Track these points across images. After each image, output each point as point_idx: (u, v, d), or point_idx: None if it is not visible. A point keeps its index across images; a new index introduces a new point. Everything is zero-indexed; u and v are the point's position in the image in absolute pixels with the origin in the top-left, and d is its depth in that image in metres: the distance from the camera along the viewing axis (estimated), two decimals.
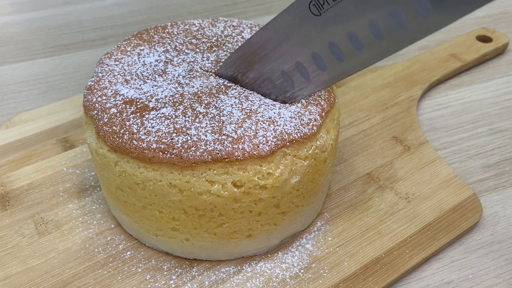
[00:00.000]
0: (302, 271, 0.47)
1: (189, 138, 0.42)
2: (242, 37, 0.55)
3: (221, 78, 0.49)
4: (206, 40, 0.55)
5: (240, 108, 0.44)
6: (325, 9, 0.37)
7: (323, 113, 0.46)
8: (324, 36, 0.39)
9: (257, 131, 0.42)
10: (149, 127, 0.43)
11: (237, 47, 0.53)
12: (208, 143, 0.41)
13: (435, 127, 0.65)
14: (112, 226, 0.51)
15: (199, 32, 0.56)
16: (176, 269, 0.47)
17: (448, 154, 0.61)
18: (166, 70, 0.50)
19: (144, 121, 0.43)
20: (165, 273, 0.47)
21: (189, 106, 0.45)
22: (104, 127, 0.44)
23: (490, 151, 0.61)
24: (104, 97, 0.47)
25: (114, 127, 0.44)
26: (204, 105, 0.45)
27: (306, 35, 0.40)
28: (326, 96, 0.48)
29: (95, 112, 0.46)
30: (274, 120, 0.43)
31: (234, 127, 0.42)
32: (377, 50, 0.37)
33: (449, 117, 0.67)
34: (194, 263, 0.48)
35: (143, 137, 0.42)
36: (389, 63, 0.78)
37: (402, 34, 0.35)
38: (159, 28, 0.57)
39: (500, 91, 0.71)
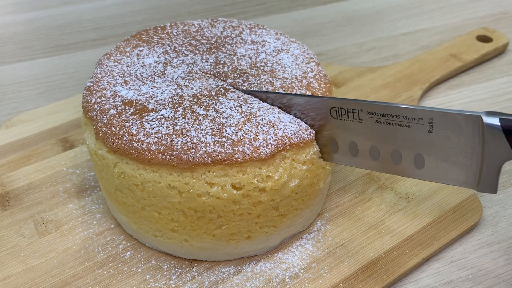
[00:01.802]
0: (302, 271, 0.47)
1: (188, 140, 0.42)
2: (241, 38, 0.55)
3: (220, 81, 0.49)
4: (206, 41, 0.55)
5: (239, 110, 0.44)
6: (343, 118, 0.42)
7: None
8: (331, 133, 0.44)
9: (257, 134, 0.42)
10: (149, 128, 0.43)
11: (236, 48, 0.53)
12: (208, 145, 0.41)
13: None
14: (112, 226, 0.51)
15: (199, 33, 0.56)
16: (176, 269, 0.47)
17: None
18: (165, 71, 0.50)
19: (143, 122, 0.43)
20: (165, 273, 0.47)
21: (189, 108, 0.45)
22: (103, 128, 0.44)
23: None
24: (103, 98, 0.47)
25: (113, 128, 0.44)
26: (203, 107, 0.45)
27: (315, 120, 0.44)
28: None
29: (94, 113, 0.46)
30: (274, 124, 0.43)
31: (234, 130, 0.42)
32: (369, 164, 0.43)
33: None
34: (194, 263, 0.48)
35: (142, 138, 0.42)
36: (389, 63, 0.78)
37: (394, 167, 0.41)
38: (159, 28, 0.57)
39: (500, 91, 0.71)
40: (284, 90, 0.47)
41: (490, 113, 0.36)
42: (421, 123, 0.39)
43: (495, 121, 0.36)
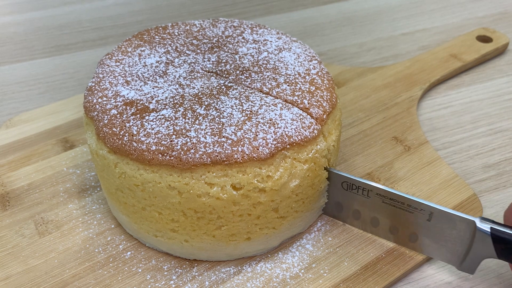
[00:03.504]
0: (302, 271, 0.47)
1: (188, 140, 0.41)
2: (243, 38, 0.55)
3: (222, 79, 0.49)
4: (207, 41, 0.55)
5: (240, 109, 0.44)
6: (352, 192, 0.47)
7: (325, 115, 0.46)
8: (339, 199, 0.49)
9: (257, 133, 0.42)
10: (149, 128, 0.43)
11: (237, 47, 0.53)
12: (207, 145, 0.41)
13: (435, 127, 0.65)
14: (112, 226, 0.51)
15: (200, 33, 0.56)
16: (176, 269, 0.47)
17: (448, 154, 0.61)
18: (167, 71, 0.50)
19: (144, 122, 0.43)
20: (165, 273, 0.47)
21: (189, 107, 0.45)
22: (104, 128, 0.44)
23: (490, 151, 0.61)
24: (104, 98, 0.47)
25: (114, 129, 0.44)
26: (204, 106, 0.45)
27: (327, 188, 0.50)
28: (328, 96, 0.48)
29: (96, 113, 0.46)
30: (275, 122, 0.43)
31: (234, 129, 0.42)
32: (368, 228, 0.49)
33: (449, 117, 0.67)
34: (194, 263, 0.48)
35: (142, 139, 0.42)
36: (389, 63, 0.78)
37: (390, 236, 0.48)
38: (160, 28, 0.57)
39: (500, 91, 0.71)
40: (288, 86, 0.47)
41: (484, 219, 0.42)
42: (422, 213, 0.44)
43: (487, 228, 0.41)
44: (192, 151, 0.41)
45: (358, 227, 0.50)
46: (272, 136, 0.42)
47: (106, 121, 0.44)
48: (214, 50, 0.53)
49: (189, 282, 0.46)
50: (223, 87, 0.47)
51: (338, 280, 0.46)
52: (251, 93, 0.47)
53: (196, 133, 0.42)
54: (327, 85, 0.49)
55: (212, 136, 0.42)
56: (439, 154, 0.60)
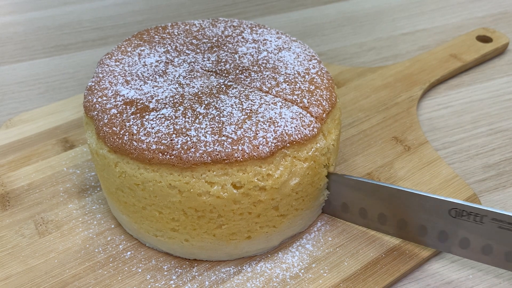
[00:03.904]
0: (302, 271, 0.47)
1: (188, 139, 0.42)
2: (243, 37, 0.55)
3: (221, 78, 0.49)
4: (207, 40, 0.55)
5: (240, 108, 0.44)
6: (462, 219, 0.43)
7: (324, 114, 0.46)
8: (444, 228, 0.45)
9: (257, 132, 0.42)
10: (149, 128, 0.43)
11: (237, 47, 0.53)
12: (207, 144, 0.41)
13: (435, 127, 0.65)
14: (112, 226, 0.51)
15: (200, 33, 0.56)
16: (176, 269, 0.47)
17: (448, 154, 0.61)
18: (167, 70, 0.50)
19: (144, 122, 0.43)
20: (165, 273, 0.47)
21: (189, 106, 0.45)
22: (104, 128, 0.44)
23: (490, 151, 0.61)
24: (104, 98, 0.47)
25: (114, 128, 0.44)
26: (204, 105, 0.45)
27: (428, 216, 0.45)
28: (328, 96, 0.48)
29: (96, 112, 0.46)
30: (275, 121, 0.43)
31: (234, 128, 0.42)
32: (479, 257, 0.44)
33: (449, 117, 0.67)
34: (194, 263, 0.48)
35: (143, 138, 0.42)
36: (389, 63, 0.78)
37: (506, 263, 0.43)
38: (160, 28, 0.57)
39: (500, 91, 0.71)
40: (287, 85, 0.48)
41: None
42: None
43: None
44: (193, 150, 0.41)
45: (463, 255, 0.46)
46: (272, 135, 0.42)
47: (106, 121, 0.44)
48: (214, 49, 0.53)
49: (189, 282, 0.46)
50: (222, 86, 0.48)
51: (338, 280, 0.46)
52: (250, 92, 0.47)
53: (196, 132, 0.42)
54: (326, 84, 0.49)
55: (212, 135, 0.42)
56: (439, 154, 0.60)
